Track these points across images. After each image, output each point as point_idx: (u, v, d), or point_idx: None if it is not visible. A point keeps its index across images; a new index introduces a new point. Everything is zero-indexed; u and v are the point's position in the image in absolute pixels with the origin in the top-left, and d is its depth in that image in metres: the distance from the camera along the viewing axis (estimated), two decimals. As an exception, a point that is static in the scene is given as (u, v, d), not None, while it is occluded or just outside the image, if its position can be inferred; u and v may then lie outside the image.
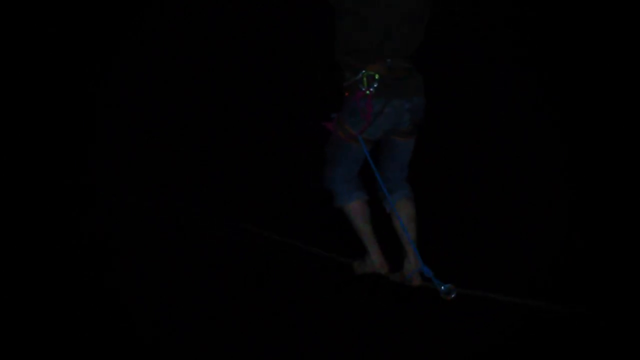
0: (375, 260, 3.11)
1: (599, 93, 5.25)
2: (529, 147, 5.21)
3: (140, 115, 5.97)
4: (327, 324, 3.06)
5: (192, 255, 3.91)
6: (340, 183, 3.10)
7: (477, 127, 5.41)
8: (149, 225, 4.32)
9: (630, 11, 5.06)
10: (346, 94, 3.03)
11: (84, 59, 6.08)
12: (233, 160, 5.50)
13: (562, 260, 3.70)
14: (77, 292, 3.53)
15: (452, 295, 2.92)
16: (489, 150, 5.27)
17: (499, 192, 4.85)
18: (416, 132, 3.14)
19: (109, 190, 5.08)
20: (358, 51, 2.97)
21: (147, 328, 3.16)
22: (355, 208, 3.11)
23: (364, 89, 2.93)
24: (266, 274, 3.59)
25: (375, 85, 2.92)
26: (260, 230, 4.13)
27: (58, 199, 4.90)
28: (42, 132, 5.88)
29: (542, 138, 5.22)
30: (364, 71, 2.93)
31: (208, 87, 6.00)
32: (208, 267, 3.70)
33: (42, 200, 4.93)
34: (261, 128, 5.73)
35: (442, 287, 2.95)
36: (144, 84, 6.05)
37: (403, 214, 3.19)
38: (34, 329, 3.16)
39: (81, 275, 3.70)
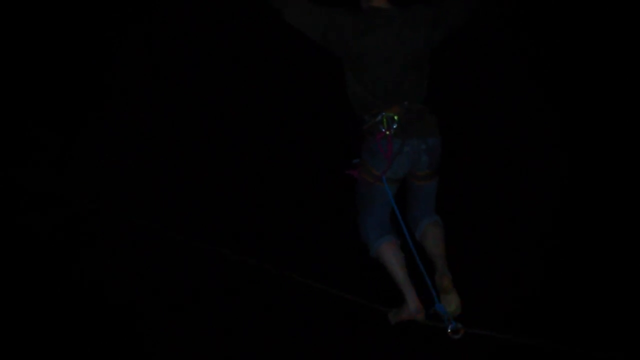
0: (412, 306, 3.08)
1: (599, 93, 5.25)
2: (529, 160, 5.19)
3: (138, 142, 5.94)
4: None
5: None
6: (372, 230, 3.13)
7: (475, 131, 5.41)
8: (161, 264, 4.25)
9: (630, 11, 5.05)
10: (366, 136, 3.11)
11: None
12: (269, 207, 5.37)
13: (568, 301, 3.67)
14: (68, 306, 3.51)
15: (459, 335, 2.91)
16: (489, 161, 5.24)
17: (499, 215, 4.81)
18: (437, 174, 3.19)
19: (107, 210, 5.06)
20: (373, 98, 3.04)
21: None
22: (386, 250, 3.11)
23: (384, 130, 3.00)
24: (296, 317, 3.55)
25: (394, 126, 3.00)
26: (298, 276, 4.09)
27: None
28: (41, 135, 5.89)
29: (542, 146, 5.22)
30: (383, 113, 3.02)
31: (224, 130, 5.94)
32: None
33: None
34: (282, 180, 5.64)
35: (451, 325, 2.93)
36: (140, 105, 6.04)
37: (430, 236, 3.21)
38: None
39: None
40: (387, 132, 3.00)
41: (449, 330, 2.91)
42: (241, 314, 3.53)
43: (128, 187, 5.35)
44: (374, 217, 3.13)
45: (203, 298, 3.72)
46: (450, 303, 3.12)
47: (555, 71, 5.30)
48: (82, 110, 6.00)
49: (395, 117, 3.00)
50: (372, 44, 2.98)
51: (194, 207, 5.09)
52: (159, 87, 5.99)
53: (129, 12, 5.99)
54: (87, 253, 4.21)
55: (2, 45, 6.02)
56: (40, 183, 5.31)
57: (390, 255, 3.10)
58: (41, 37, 6.10)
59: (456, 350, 3.02)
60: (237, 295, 3.79)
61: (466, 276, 4.06)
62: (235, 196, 5.26)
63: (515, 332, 3.33)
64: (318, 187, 5.04)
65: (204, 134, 5.86)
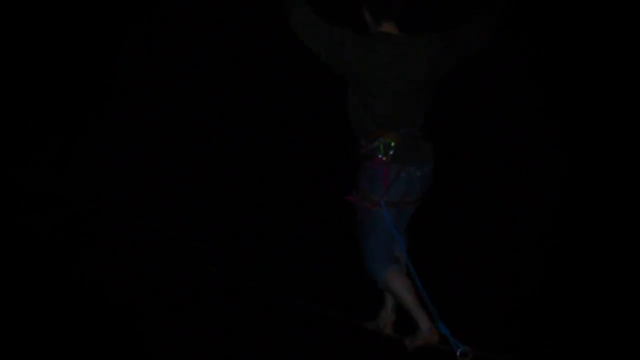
0: (425, 328, 3.05)
1: (599, 93, 5.25)
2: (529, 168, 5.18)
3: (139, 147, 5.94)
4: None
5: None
6: (377, 261, 3.12)
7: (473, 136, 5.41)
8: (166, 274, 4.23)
9: (631, 11, 5.05)
10: (363, 161, 3.12)
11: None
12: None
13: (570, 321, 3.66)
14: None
15: (468, 358, 2.90)
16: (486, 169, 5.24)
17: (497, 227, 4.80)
18: (421, 201, 3.21)
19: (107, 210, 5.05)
20: (372, 122, 3.07)
21: None
22: (393, 278, 3.10)
23: (380, 156, 3.01)
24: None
25: (391, 153, 3.02)
26: (298, 276, 4.08)
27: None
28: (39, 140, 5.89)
29: (542, 146, 5.21)
30: (380, 139, 3.03)
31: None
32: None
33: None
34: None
35: (459, 349, 2.93)
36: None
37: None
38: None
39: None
40: (384, 159, 3.01)
41: (458, 354, 2.90)
42: (241, 314, 3.52)
43: (128, 187, 5.35)
44: (377, 246, 3.12)
45: (203, 298, 3.72)
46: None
47: (555, 71, 5.30)
48: (82, 110, 6.00)
49: (392, 144, 3.02)
50: (375, 67, 2.98)
51: (194, 207, 5.09)
52: (159, 87, 5.99)
53: (129, 12, 5.99)
54: (87, 253, 4.21)
55: (2, 45, 6.02)
56: (40, 183, 5.31)
57: (398, 283, 3.09)
58: (41, 37, 6.10)
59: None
60: (237, 295, 3.79)
61: (466, 276, 4.07)
62: (235, 196, 5.26)
63: (514, 334, 3.33)
64: (318, 187, 5.04)
65: (204, 134, 5.86)
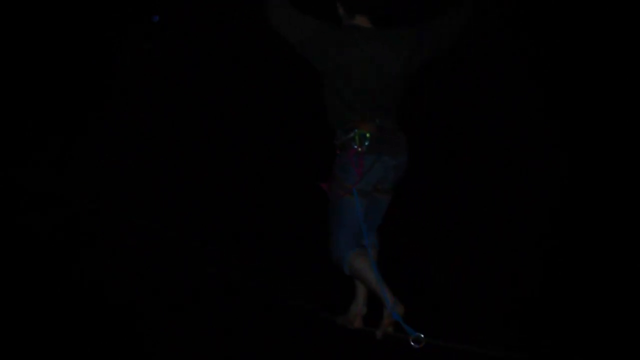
0: (390, 301, 3.05)
1: (599, 93, 5.25)
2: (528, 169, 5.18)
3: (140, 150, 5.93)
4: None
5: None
6: (344, 246, 3.15)
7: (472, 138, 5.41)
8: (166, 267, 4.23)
9: (631, 11, 5.05)
10: (337, 151, 3.19)
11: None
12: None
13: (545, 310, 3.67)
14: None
15: (420, 344, 2.93)
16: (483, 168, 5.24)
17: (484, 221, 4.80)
18: (394, 189, 3.25)
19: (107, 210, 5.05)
20: (348, 113, 3.13)
21: None
22: (356, 257, 3.14)
23: (356, 147, 3.07)
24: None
25: (366, 144, 3.07)
26: (299, 277, 4.08)
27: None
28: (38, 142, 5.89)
29: (542, 146, 5.21)
30: (356, 130, 3.09)
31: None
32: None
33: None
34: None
35: (413, 334, 2.96)
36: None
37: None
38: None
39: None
40: (359, 149, 3.06)
41: (411, 340, 2.93)
42: (241, 314, 3.53)
43: (128, 187, 5.35)
44: (345, 231, 3.16)
45: (203, 298, 3.72)
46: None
47: (555, 71, 5.30)
48: (82, 110, 6.00)
49: (368, 135, 3.07)
50: (350, 59, 3.06)
51: (194, 207, 5.09)
52: (159, 87, 6.00)
53: (129, 12, 6.00)
54: (87, 253, 4.21)
55: (2, 46, 6.02)
56: (40, 183, 5.31)
57: (361, 261, 3.11)
58: (41, 37, 6.10)
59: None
60: (237, 295, 3.80)
61: (465, 276, 4.07)
62: (235, 196, 5.27)
63: (513, 335, 3.33)
64: (318, 187, 5.05)
65: (204, 134, 5.86)
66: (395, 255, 3.63)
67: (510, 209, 4.79)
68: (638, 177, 4.79)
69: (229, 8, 5.85)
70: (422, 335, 2.93)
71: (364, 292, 3.33)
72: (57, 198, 5.07)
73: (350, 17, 3.13)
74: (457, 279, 4.03)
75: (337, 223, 3.19)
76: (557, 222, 4.50)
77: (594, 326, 3.44)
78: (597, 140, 5.11)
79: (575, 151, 5.05)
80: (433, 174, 5.07)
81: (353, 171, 3.09)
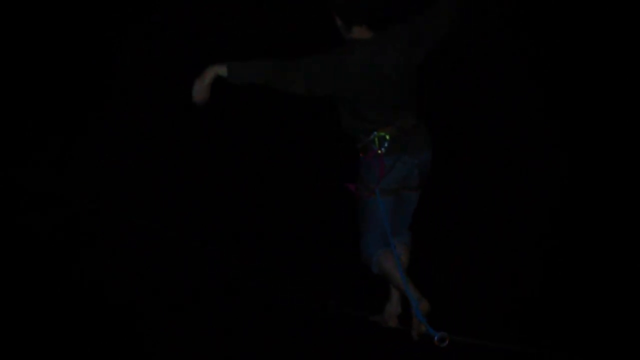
0: (415, 297, 3.07)
1: (599, 93, 5.25)
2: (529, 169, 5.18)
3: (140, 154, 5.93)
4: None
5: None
6: (373, 248, 3.20)
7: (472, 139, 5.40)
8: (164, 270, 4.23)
9: (631, 11, 5.05)
10: (361, 154, 3.24)
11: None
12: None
13: (561, 306, 3.68)
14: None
15: (445, 343, 2.95)
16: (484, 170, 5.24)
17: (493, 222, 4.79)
18: (423, 186, 3.28)
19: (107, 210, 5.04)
20: (368, 123, 3.18)
21: None
22: (384, 257, 3.19)
23: (376, 149, 3.13)
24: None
25: (386, 145, 3.13)
26: (299, 277, 4.09)
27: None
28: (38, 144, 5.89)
29: (542, 146, 5.21)
30: (375, 132, 3.14)
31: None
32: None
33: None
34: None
35: (436, 335, 2.97)
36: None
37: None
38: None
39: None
40: (379, 151, 3.11)
41: (435, 339, 2.95)
42: (241, 314, 3.53)
43: (128, 187, 5.35)
44: (373, 232, 3.22)
45: (203, 298, 3.72)
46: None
47: (555, 71, 5.30)
48: (82, 110, 6.00)
49: (387, 137, 3.12)
50: (354, 76, 3.06)
51: (194, 207, 5.09)
52: (159, 87, 5.99)
53: (129, 12, 6.00)
54: (87, 253, 4.21)
55: (2, 46, 6.02)
56: (40, 183, 5.31)
57: (388, 261, 3.16)
58: (41, 37, 6.10)
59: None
60: (237, 295, 3.80)
61: (465, 276, 4.06)
62: (235, 196, 5.26)
63: (513, 334, 3.33)
64: (318, 187, 5.04)
65: (204, 134, 5.86)
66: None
67: (510, 209, 4.78)
68: (638, 177, 4.79)
69: (229, 8, 5.85)
70: (446, 334, 2.94)
71: (398, 291, 3.34)
72: (57, 198, 5.07)
73: (348, 29, 3.13)
74: (457, 279, 4.03)
75: (365, 224, 3.24)
76: (557, 222, 4.50)
77: (594, 326, 3.44)
78: (597, 140, 5.11)
79: (575, 151, 5.04)
80: (433, 174, 5.06)
81: (375, 172, 3.14)
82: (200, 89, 3.17)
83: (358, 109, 3.12)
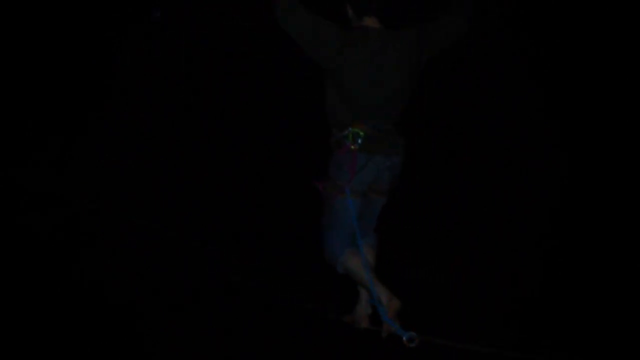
0: (385, 299, 3.08)
1: (599, 93, 5.25)
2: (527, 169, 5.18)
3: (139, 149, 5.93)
4: None
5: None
6: (337, 246, 3.20)
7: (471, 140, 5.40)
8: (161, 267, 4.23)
9: (631, 11, 5.05)
10: (333, 150, 3.22)
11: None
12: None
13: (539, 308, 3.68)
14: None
15: (414, 343, 2.94)
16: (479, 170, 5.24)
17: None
18: (390, 192, 3.27)
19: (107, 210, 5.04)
20: (346, 112, 3.17)
21: None
22: (349, 256, 3.18)
23: (349, 144, 3.10)
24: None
25: (359, 142, 3.10)
26: (298, 277, 4.10)
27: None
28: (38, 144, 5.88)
29: (542, 146, 5.21)
30: (350, 128, 3.12)
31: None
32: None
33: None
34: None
35: (404, 335, 2.97)
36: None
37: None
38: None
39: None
40: (352, 147, 3.08)
41: (404, 339, 2.94)
42: (241, 314, 3.53)
43: (128, 187, 5.35)
44: (338, 232, 3.19)
45: (203, 298, 3.72)
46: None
47: (555, 71, 5.30)
48: (82, 110, 5.99)
49: (361, 133, 3.09)
50: (354, 59, 3.06)
51: (194, 207, 5.09)
52: (159, 87, 5.99)
53: (129, 12, 5.99)
54: (87, 253, 4.21)
55: (2, 46, 6.02)
56: (40, 183, 5.31)
57: (354, 261, 3.14)
58: (41, 37, 6.10)
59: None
60: (237, 295, 3.80)
61: (465, 276, 4.07)
62: (235, 196, 5.26)
63: (513, 335, 3.33)
64: (313, 186, 5.05)
65: (204, 134, 5.86)
66: (396, 256, 3.63)
67: (510, 209, 4.79)
68: (638, 177, 4.79)
69: (229, 7, 5.85)
70: (415, 334, 2.93)
71: (366, 291, 3.33)
72: (57, 198, 5.07)
73: (359, 19, 3.14)
74: (457, 279, 4.03)
75: (331, 223, 3.21)
76: (557, 222, 4.50)
77: (594, 326, 3.44)
78: (597, 140, 5.11)
79: (575, 151, 5.05)
80: (433, 174, 5.07)
81: (346, 170, 3.11)
82: None
83: (343, 91, 3.09)
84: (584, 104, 5.22)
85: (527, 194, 4.88)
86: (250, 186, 5.41)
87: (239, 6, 5.73)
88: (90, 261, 4.06)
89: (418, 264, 4.29)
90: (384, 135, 3.14)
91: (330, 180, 3.20)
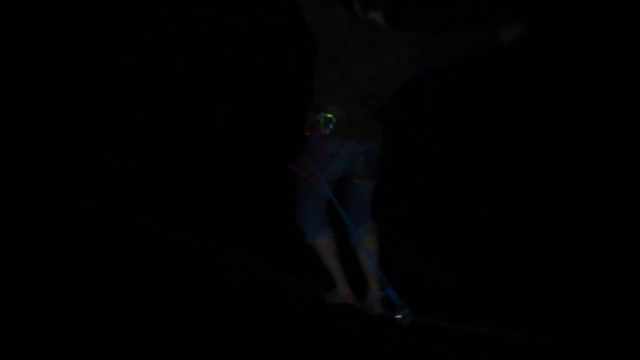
0: (342, 292, 3.39)
1: (599, 93, 5.25)
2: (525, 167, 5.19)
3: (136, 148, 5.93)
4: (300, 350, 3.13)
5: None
6: (308, 221, 3.33)
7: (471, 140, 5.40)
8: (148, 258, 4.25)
9: (631, 11, 5.05)
10: (307, 134, 3.25)
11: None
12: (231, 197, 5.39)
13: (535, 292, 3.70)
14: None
15: (408, 320, 2.99)
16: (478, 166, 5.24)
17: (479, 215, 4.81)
18: (375, 176, 3.30)
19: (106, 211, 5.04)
20: (323, 97, 3.21)
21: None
22: (322, 245, 3.39)
23: (320, 129, 3.09)
24: (240, 299, 3.62)
25: (331, 127, 3.11)
26: (241, 258, 4.16)
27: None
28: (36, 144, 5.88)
29: (542, 146, 5.21)
30: (322, 113, 3.13)
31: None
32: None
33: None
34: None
35: (404, 311, 3.02)
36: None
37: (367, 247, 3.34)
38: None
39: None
40: (324, 132, 3.10)
41: (399, 317, 3.02)
42: (241, 314, 3.53)
43: (128, 187, 5.35)
44: (310, 208, 3.33)
45: (203, 298, 3.72)
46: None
47: (555, 71, 5.30)
48: (82, 110, 5.99)
49: (333, 119, 3.12)
50: (350, 47, 3.08)
51: (194, 207, 5.09)
52: (159, 87, 5.99)
53: (129, 12, 5.99)
54: (87, 253, 4.21)
55: (2, 45, 6.02)
56: (40, 183, 5.31)
57: (326, 248, 3.35)
58: (41, 37, 6.10)
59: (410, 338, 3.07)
60: (237, 295, 3.80)
61: (465, 276, 4.07)
62: (235, 196, 5.26)
63: (510, 334, 3.33)
64: (289, 169, 5.04)
65: (204, 134, 5.86)
66: (396, 255, 3.63)
67: (510, 209, 4.79)
68: (638, 177, 4.79)
69: (229, 8, 5.85)
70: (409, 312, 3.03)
71: (374, 277, 3.38)
72: (57, 198, 5.07)
73: (365, 13, 3.17)
74: (457, 279, 4.03)
75: (303, 202, 3.35)
76: (557, 222, 4.50)
77: (594, 326, 3.44)
78: (597, 140, 5.11)
79: (575, 151, 5.04)
80: (433, 174, 5.07)
81: (318, 155, 3.12)
82: None
83: (328, 75, 3.13)
84: (584, 104, 5.22)
85: (527, 194, 4.88)
86: (250, 186, 5.41)
87: (239, 6, 5.73)
88: (90, 261, 4.06)
89: (418, 264, 4.29)
90: (357, 121, 3.14)
91: (302, 163, 3.23)
